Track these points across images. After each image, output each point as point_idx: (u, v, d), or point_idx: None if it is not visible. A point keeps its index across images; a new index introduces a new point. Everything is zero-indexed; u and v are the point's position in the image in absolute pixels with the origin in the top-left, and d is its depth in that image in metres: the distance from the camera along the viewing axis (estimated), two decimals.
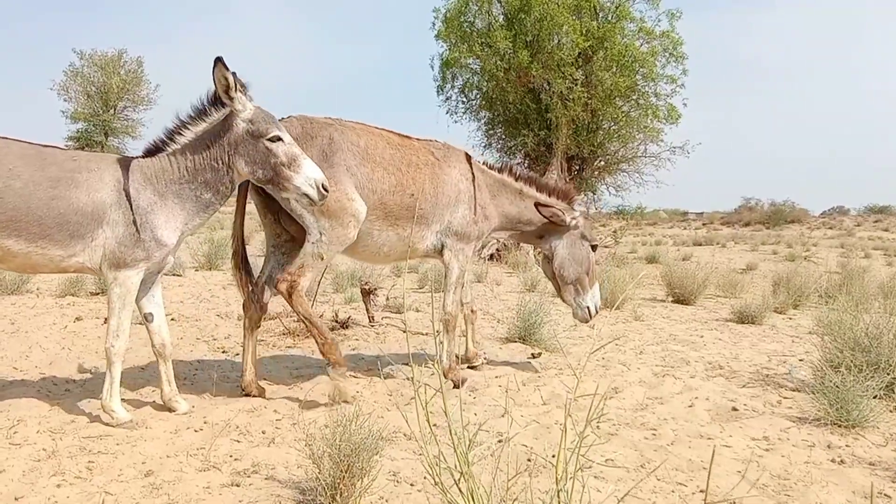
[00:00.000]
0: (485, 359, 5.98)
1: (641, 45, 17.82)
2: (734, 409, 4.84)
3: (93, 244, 3.97)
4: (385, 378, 5.42)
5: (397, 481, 3.38)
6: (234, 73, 4.00)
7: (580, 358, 6.25)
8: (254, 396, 4.75)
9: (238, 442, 3.86)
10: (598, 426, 4.32)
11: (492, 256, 17.24)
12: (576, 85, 17.20)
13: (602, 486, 3.35)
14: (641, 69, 17.63)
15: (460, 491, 2.14)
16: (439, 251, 5.31)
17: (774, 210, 55.06)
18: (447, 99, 20.03)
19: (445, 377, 5.22)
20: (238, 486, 3.26)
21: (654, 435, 4.23)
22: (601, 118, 18.34)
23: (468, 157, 5.51)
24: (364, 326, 7.47)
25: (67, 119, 39.13)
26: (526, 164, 20.42)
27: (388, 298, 8.86)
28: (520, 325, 6.91)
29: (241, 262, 4.92)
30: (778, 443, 4.14)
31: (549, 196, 5.75)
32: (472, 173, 5.41)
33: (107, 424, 4.01)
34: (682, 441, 4.12)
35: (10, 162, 3.80)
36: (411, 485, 3.34)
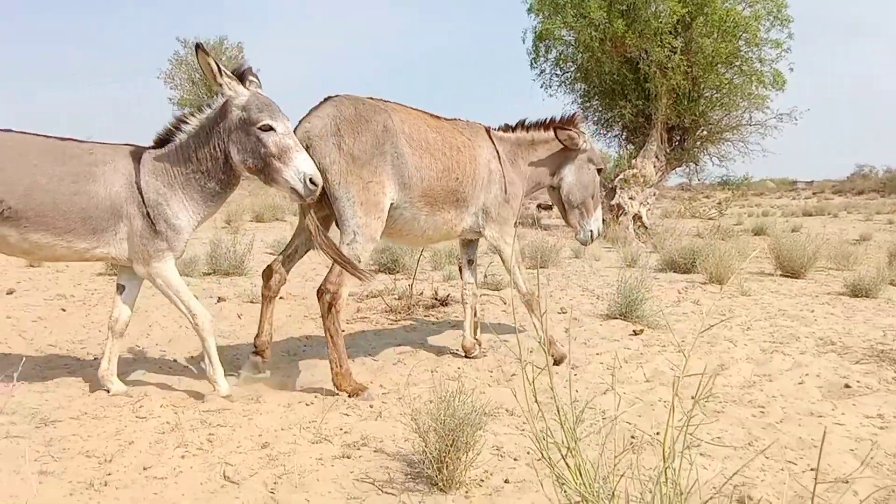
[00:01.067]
0: (483, 351, 5.62)
1: (743, 9, 17.12)
2: (847, 385, 4.68)
3: (117, 237, 4.06)
4: (485, 355, 5.48)
5: (501, 455, 3.44)
6: (216, 60, 3.97)
7: (684, 335, 6.15)
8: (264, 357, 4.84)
9: (347, 416, 4.00)
10: (704, 404, 4.27)
11: None
12: (675, 53, 16.71)
13: (709, 463, 3.32)
14: (744, 34, 16.94)
15: (567, 466, 2.17)
16: (476, 231, 5.25)
17: (890, 177, 52.01)
18: (541, 72, 19.83)
19: (547, 353, 5.17)
20: (349, 457, 3.39)
21: (763, 413, 4.15)
22: (702, 86, 17.76)
23: (488, 132, 5.39)
24: (461, 304, 7.55)
25: (175, 106, 40.67)
26: (624, 136, 20.09)
27: (486, 276, 8.91)
28: (620, 301, 6.82)
29: (322, 235, 4.43)
30: (893, 421, 3.99)
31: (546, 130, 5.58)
32: (496, 149, 5.30)
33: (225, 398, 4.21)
34: (792, 419, 4.03)
35: (34, 158, 3.88)
36: (515, 459, 3.39)
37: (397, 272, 9.71)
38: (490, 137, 5.34)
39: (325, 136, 4.39)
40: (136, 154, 4.13)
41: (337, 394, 4.34)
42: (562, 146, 5.50)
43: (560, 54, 19.36)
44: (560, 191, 5.64)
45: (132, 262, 4.14)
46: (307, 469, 3.25)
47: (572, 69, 19.66)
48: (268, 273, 4.96)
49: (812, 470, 3.29)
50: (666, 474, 1.95)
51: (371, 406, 4.16)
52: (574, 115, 5.61)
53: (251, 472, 3.21)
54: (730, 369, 5.07)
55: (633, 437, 3.67)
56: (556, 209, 5.98)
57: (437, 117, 5.13)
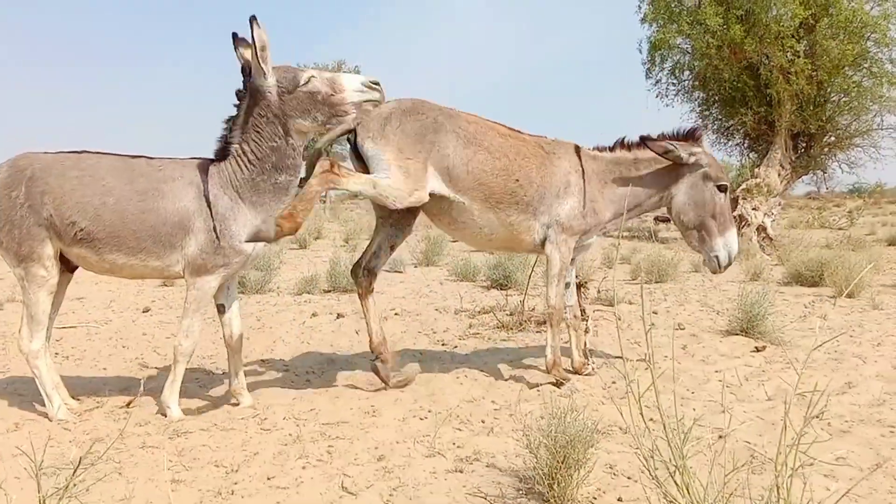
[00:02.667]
0: (593, 369, 5.45)
1: (871, 8, 16.26)
2: None
3: (183, 252, 4.07)
4: (598, 371, 5.43)
5: (614, 474, 3.42)
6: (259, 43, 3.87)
7: (809, 351, 5.89)
8: (383, 361, 4.95)
9: (460, 430, 4.06)
10: (828, 423, 4.10)
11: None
12: (798, 57, 16.05)
13: (832, 484, 3.18)
14: (873, 34, 16.07)
15: (675, 484, 2.15)
16: (542, 244, 5.10)
17: None
18: (657, 82, 19.47)
19: (549, 373, 5.10)
20: (461, 472, 3.44)
21: (893, 433, 3.93)
22: (829, 90, 16.96)
23: (577, 150, 5.25)
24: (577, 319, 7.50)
25: None
26: (746, 145, 19.44)
27: (599, 291, 8.81)
28: (741, 316, 6.60)
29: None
30: None
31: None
32: (582, 167, 5.13)
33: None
34: None
35: (103, 178, 3.97)
36: (628, 477, 3.36)
37: (509, 288, 9.75)
38: (578, 155, 5.21)
39: (376, 119, 4.53)
40: (204, 167, 4.14)
41: (449, 409, 4.41)
42: (667, 163, 5.21)
43: (676, 63, 18.98)
44: (671, 212, 5.37)
45: (183, 272, 4.15)
46: (421, 482, 3.33)
47: (689, 78, 19.22)
48: (355, 272, 5.08)
49: None
50: (778, 493, 1.90)
51: (483, 421, 4.21)
52: (695, 129, 5.29)
53: (368, 483, 3.31)
54: (858, 387, 4.83)
55: (752, 456, 3.57)
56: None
57: (518, 131, 5.13)
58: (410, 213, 4.95)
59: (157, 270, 4.16)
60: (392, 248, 5.11)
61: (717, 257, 5.23)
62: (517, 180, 4.89)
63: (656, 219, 21.19)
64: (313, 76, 4.05)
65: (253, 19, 3.76)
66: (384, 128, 4.53)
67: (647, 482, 3.12)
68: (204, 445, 3.80)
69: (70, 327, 7.10)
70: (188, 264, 4.10)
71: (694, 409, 4.41)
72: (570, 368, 5.43)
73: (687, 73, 19.13)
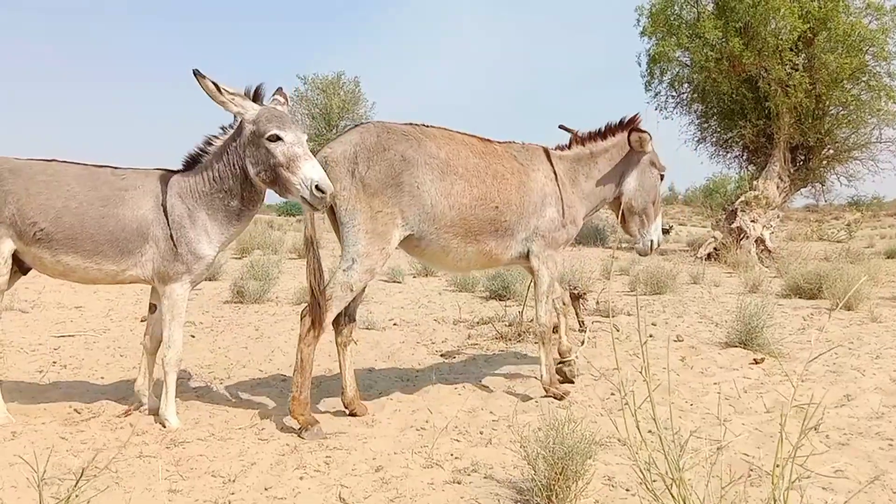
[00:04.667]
0: (577, 355, 5.59)
1: (870, 22, 16.35)
2: None
3: (143, 259, 4.17)
4: (596, 383, 5.43)
5: (612, 486, 3.41)
6: (213, 80, 3.99)
7: (807, 363, 5.89)
8: (356, 415, 4.58)
9: (458, 441, 4.06)
10: (827, 436, 4.09)
11: (709, 256, 16.55)
12: (796, 70, 16.14)
13: (830, 497, 3.18)
14: (871, 48, 16.18)
15: (672, 497, 2.15)
16: (525, 256, 5.01)
17: None
18: (656, 95, 19.58)
19: (546, 392, 5.02)
20: (459, 483, 3.44)
21: (892, 445, 3.93)
22: (827, 104, 17.07)
23: (547, 154, 5.19)
24: (574, 331, 7.50)
25: None
26: (745, 157, 19.53)
27: (598, 302, 8.82)
28: (740, 328, 6.60)
29: (317, 266, 4.33)
30: None
31: (613, 136, 5.35)
32: (554, 171, 5.08)
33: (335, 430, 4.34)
34: None
35: (68, 183, 4.08)
36: (627, 490, 3.35)
37: (508, 299, 9.75)
38: (549, 159, 5.15)
39: (341, 162, 4.32)
40: (166, 178, 4.26)
41: (447, 420, 4.41)
42: (622, 155, 5.31)
43: (675, 76, 19.09)
44: (621, 197, 5.36)
45: (153, 281, 4.26)
46: (419, 493, 3.32)
47: (688, 90, 19.34)
48: (336, 321, 4.69)
49: None
50: None
51: (481, 432, 4.21)
52: (635, 115, 5.36)
53: (365, 494, 3.30)
54: (856, 399, 4.83)
55: (750, 469, 3.56)
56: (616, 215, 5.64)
57: (488, 141, 4.98)
58: None
59: (110, 274, 4.22)
60: (363, 289, 4.73)
61: (651, 241, 5.43)
62: (496, 207, 4.72)
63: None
64: (280, 139, 3.98)
65: (196, 72, 3.95)
66: (352, 172, 4.30)
67: (646, 494, 3.12)
68: (201, 455, 3.79)
69: (68, 336, 7.08)
70: (155, 272, 4.20)
71: (692, 421, 4.42)
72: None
73: (686, 85, 19.26)
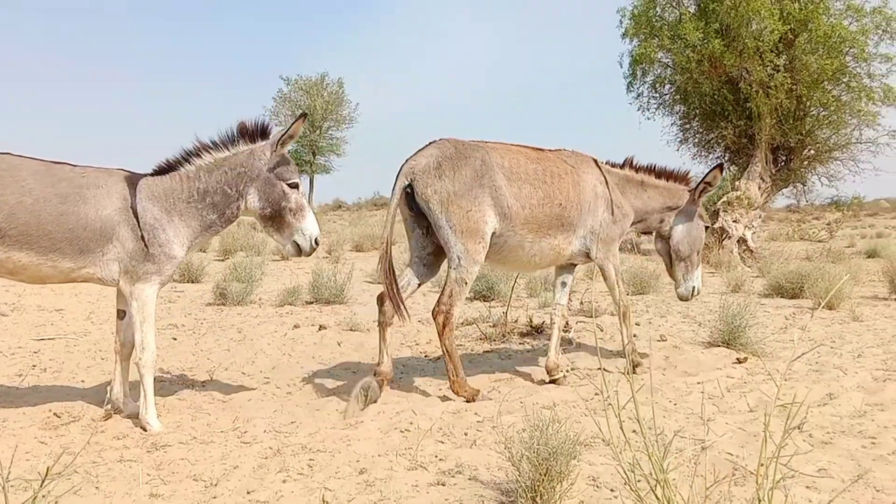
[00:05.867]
0: (566, 371, 5.70)
1: (850, 23, 16.46)
2: None
3: (104, 258, 4.14)
4: (566, 377, 5.45)
5: (597, 486, 3.40)
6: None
7: (790, 362, 5.92)
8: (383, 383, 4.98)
9: (442, 443, 4.04)
10: (810, 434, 4.11)
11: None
12: (777, 71, 16.22)
13: (814, 496, 3.19)
14: (851, 49, 16.29)
15: (656, 497, 2.14)
16: (585, 254, 5.56)
17: None
18: (638, 96, 19.61)
19: (630, 363, 5.64)
20: (443, 485, 3.42)
21: (874, 444, 3.95)
22: (808, 104, 17.14)
23: (596, 162, 5.71)
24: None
25: None
26: (727, 158, 19.57)
27: (582, 303, 8.84)
28: (723, 328, 6.62)
29: (389, 267, 4.97)
30: None
31: (668, 180, 6.02)
32: (604, 176, 5.62)
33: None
34: None
35: (23, 179, 3.98)
36: (611, 490, 3.34)
37: (492, 299, 9.75)
38: (597, 165, 5.66)
39: (429, 171, 4.87)
40: (132, 179, 4.28)
41: (431, 421, 4.39)
42: (672, 200, 5.97)
43: (657, 77, 19.13)
44: (670, 241, 6.00)
45: (117, 282, 4.23)
46: (403, 495, 3.30)
47: (670, 91, 19.38)
48: (381, 300, 5.14)
49: None
50: None
51: (465, 434, 4.19)
52: (688, 172, 6.07)
53: (349, 497, 3.28)
54: (839, 398, 4.85)
55: (734, 468, 3.57)
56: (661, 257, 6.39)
57: (540, 149, 5.49)
58: (442, 255, 5.16)
59: (64, 272, 4.15)
60: (419, 286, 5.33)
61: (693, 287, 6.06)
62: (560, 204, 5.27)
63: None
64: (298, 188, 4.48)
65: (304, 115, 4.53)
66: (441, 178, 4.85)
67: (630, 495, 3.12)
68: (183, 459, 3.75)
69: (48, 339, 7.01)
70: (122, 272, 4.19)
71: (676, 421, 4.42)
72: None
73: (668, 86, 19.30)
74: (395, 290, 4.94)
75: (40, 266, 4.08)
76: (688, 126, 19.89)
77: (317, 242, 4.50)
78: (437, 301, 4.96)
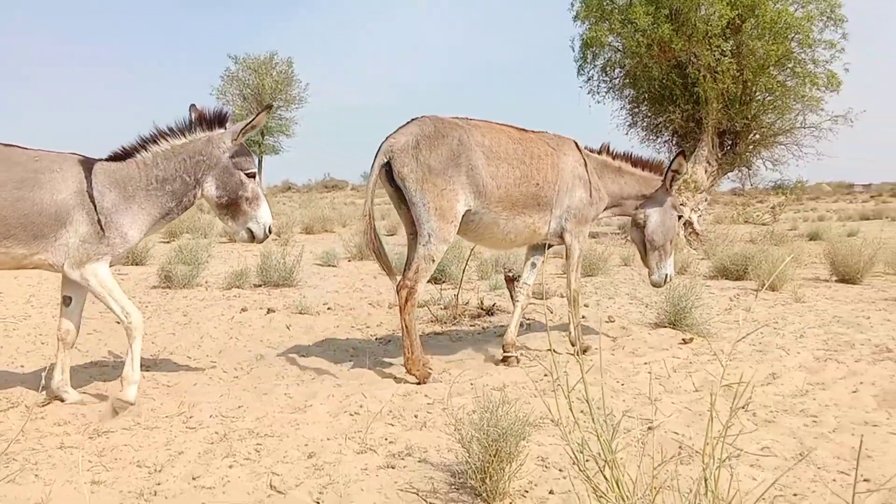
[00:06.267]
0: (520, 353, 5.75)
1: (796, 10, 16.76)
2: None
3: (56, 243, 4.06)
4: (530, 364, 5.46)
5: (546, 466, 3.42)
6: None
7: (735, 343, 6.03)
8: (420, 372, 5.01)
9: (392, 426, 4.02)
10: (754, 413, 4.19)
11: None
12: (724, 56, 16.46)
13: (758, 474, 3.25)
14: (796, 35, 16.60)
15: (605, 477, 2.15)
16: (559, 234, 5.69)
17: None
18: (588, 79, 19.71)
19: (573, 346, 5.74)
20: (393, 467, 3.40)
21: (815, 422, 4.05)
22: (754, 89, 17.44)
23: (577, 144, 5.83)
24: (508, 313, 7.53)
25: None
26: (674, 141, 19.81)
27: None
28: (669, 309, 6.73)
29: (374, 238, 5.21)
30: None
31: (643, 169, 6.14)
32: (584, 159, 5.75)
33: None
34: (846, 428, 3.92)
35: None
36: (560, 470, 3.37)
37: (443, 282, 9.74)
38: (578, 148, 5.79)
39: (406, 150, 4.98)
40: (87, 163, 4.22)
41: (381, 404, 4.37)
42: (649, 188, 6.07)
43: (607, 61, 19.24)
44: (644, 230, 6.09)
45: (63, 266, 4.13)
46: (352, 479, 3.27)
47: (620, 75, 19.52)
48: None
49: (866, 481, 3.20)
50: (706, 485, 1.92)
51: (415, 416, 4.18)
52: (661, 162, 6.18)
53: (297, 481, 3.24)
54: (781, 377, 4.96)
55: (680, 447, 3.62)
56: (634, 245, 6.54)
57: (523, 130, 5.61)
58: None
59: (16, 259, 4.06)
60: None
61: (666, 275, 6.14)
62: (537, 183, 5.39)
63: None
64: (254, 177, 4.51)
65: (269, 106, 4.54)
66: (417, 158, 4.96)
67: (578, 475, 3.14)
68: (126, 445, 3.66)
69: None
70: (69, 256, 4.10)
71: (623, 401, 4.47)
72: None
73: (618, 70, 19.43)
74: (383, 257, 5.29)
75: None
76: (637, 110, 20.08)
77: (270, 230, 4.56)
78: (403, 276, 5.07)
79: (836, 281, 10.05)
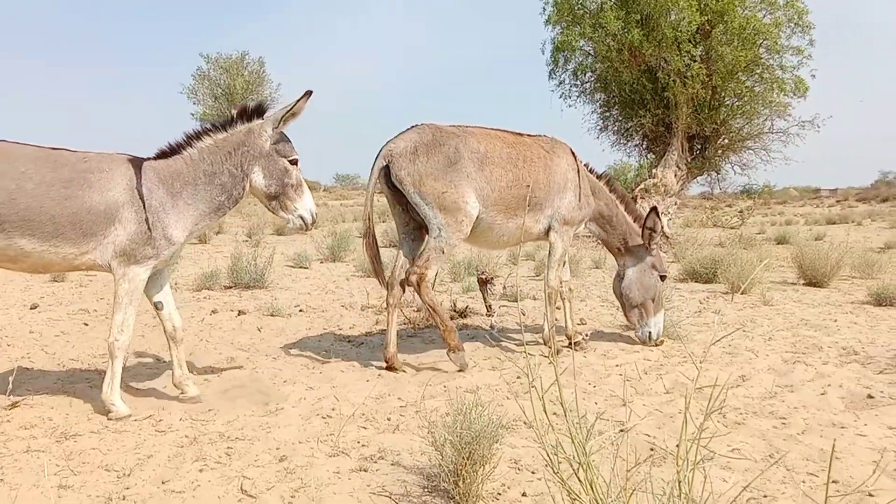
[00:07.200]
0: (586, 336, 6.20)
1: (764, 16, 16.98)
2: (870, 396, 4.62)
3: (104, 241, 4.10)
4: (503, 367, 5.46)
5: (518, 469, 3.43)
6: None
7: (705, 345, 6.10)
8: (394, 370, 5.29)
9: (365, 429, 4.00)
10: (724, 416, 4.23)
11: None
12: (694, 62, 16.63)
13: (728, 476, 3.28)
14: (765, 42, 16.81)
15: (579, 480, 2.16)
16: (546, 233, 5.88)
17: None
18: (560, 83, 19.78)
19: (546, 344, 5.93)
20: (366, 471, 3.39)
21: (784, 424, 4.10)
22: (723, 95, 17.64)
23: (572, 151, 6.03)
24: (481, 315, 7.54)
25: (197, 121, 40.89)
26: (644, 146, 19.98)
27: (504, 287, 8.89)
28: None
29: (372, 242, 5.54)
30: None
31: (634, 221, 6.28)
32: (577, 164, 5.95)
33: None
34: (814, 430, 3.98)
35: (22, 165, 3.93)
36: (532, 472, 3.37)
37: None
38: (572, 153, 6.03)
39: (405, 155, 5.24)
40: (135, 162, 4.26)
41: (354, 407, 4.35)
42: (631, 237, 6.22)
43: (578, 65, 19.33)
44: (621, 283, 6.24)
45: (108, 264, 4.16)
46: (324, 482, 3.25)
47: (591, 79, 19.63)
48: (390, 285, 5.52)
49: (834, 482, 3.24)
50: (679, 487, 1.93)
51: (388, 419, 4.17)
52: (655, 223, 6.07)
53: (268, 485, 3.22)
54: (751, 380, 5.02)
55: (651, 449, 3.64)
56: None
57: (518, 134, 5.85)
58: (425, 227, 5.45)
59: (66, 258, 4.09)
60: (412, 261, 5.55)
61: (649, 333, 6.15)
62: (528, 185, 5.57)
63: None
64: (297, 164, 4.56)
65: (309, 93, 4.45)
66: (414, 163, 5.21)
67: (552, 476, 3.15)
68: (94, 449, 3.61)
69: None
70: (116, 254, 4.12)
71: (596, 403, 4.49)
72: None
73: (589, 74, 19.54)
74: (376, 262, 5.55)
75: (43, 253, 4.02)
76: (608, 114, 20.20)
77: (315, 216, 4.64)
78: (413, 264, 5.31)
79: (803, 284, 10.19)
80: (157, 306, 4.57)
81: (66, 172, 4.03)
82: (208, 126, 4.47)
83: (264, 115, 4.52)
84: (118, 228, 4.10)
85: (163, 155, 4.39)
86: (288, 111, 4.47)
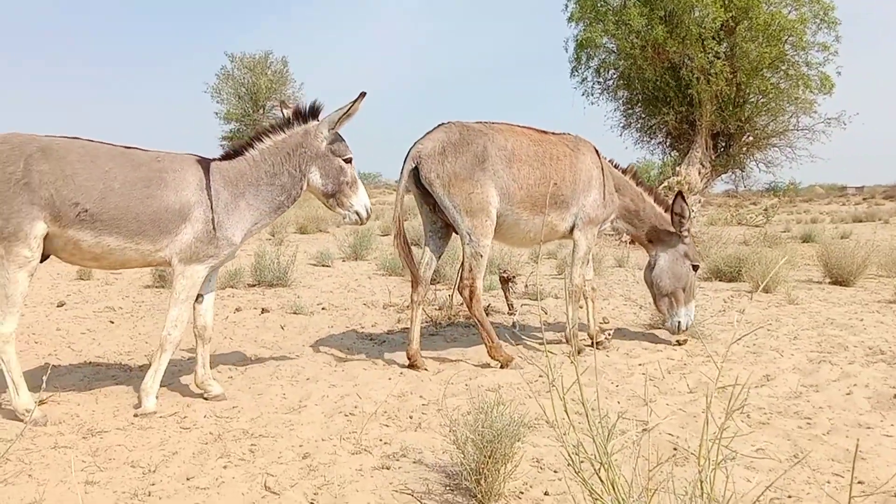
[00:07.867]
0: (609, 335, 6.16)
1: (789, 12, 16.80)
2: None
3: (176, 238, 4.23)
4: (525, 366, 5.46)
5: (541, 468, 3.43)
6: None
7: (730, 345, 6.04)
8: (416, 367, 5.34)
9: (387, 426, 4.02)
10: (748, 415, 4.20)
11: (633, 240, 16.83)
12: (718, 58, 16.49)
13: (752, 476, 3.26)
14: (790, 38, 16.62)
15: (600, 480, 2.15)
16: (570, 231, 5.88)
17: None
18: (582, 81, 19.70)
19: (568, 343, 5.90)
20: (388, 468, 3.40)
21: (809, 424, 4.06)
22: (748, 91, 17.47)
23: (596, 150, 6.02)
24: (503, 314, 7.54)
25: (221, 120, 41.17)
26: (668, 143, 19.85)
27: (527, 286, 8.89)
28: None
29: (403, 241, 5.51)
30: None
31: (665, 211, 6.21)
32: (601, 162, 5.94)
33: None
34: (839, 430, 3.93)
35: (105, 164, 4.06)
36: (555, 471, 3.37)
37: (438, 282, 9.73)
38: (596, 152, 6.03)
39: (433, 156, 5.29)
40: (203, 162, 4.42)
41: (376, 405, 4.37)
42: (661, 224, 6.19)
43: (601, 62, 19.24)
44: (652, 272, 6.21)
45: (172, 260, 4.28)
46: (347, 480, 3.27)
47: (614, 77, 19.52)
48: (413, 283, 5.60)
49: (859, 483, 3.21)
50: (701, 487, 1.92)
51: (410, 417, 4.18)
52: (683, 210, 6.03)
53: (292, 482, 3.24)
54: (775, 379, 4.98)
55: (674, 448, 3.63)
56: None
57: (543, 132, 5.86)
58: (451, 225, 5.55)
59: (143, 255, 4.24)
60: (439, 258, 5.79)
61: (679, 323, 6.10)
62: (555, 183, 5.61)
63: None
64: (351, 163, 4.71)
65: (363, 94, 4.58)
66: (443, 164, 5.27)
67: (574, 476, 3.14)
68: (120, 445, 3.66)
69: None
70: (180, 252, 4.25)
71: (618, 403, 4.48)
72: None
73: (612, 72, 19.42)
74: (410, 260, 5.55)
75: (125, 249, 4.16)
76: (631, 111, 20.08)
77: (370, 212, 4.81)
78: (460, 277, 5.47)
79: (829, 283, 10.07)
80: (197, 299, 4.62)
81: (144, 171, 4.17)
82: (267, 127, 4.64)
83: (319, 117, 4.64)
84: (187, 227, 4.23)
85: (227, 156, 4.55)
86: (344, 113, 4.60)
